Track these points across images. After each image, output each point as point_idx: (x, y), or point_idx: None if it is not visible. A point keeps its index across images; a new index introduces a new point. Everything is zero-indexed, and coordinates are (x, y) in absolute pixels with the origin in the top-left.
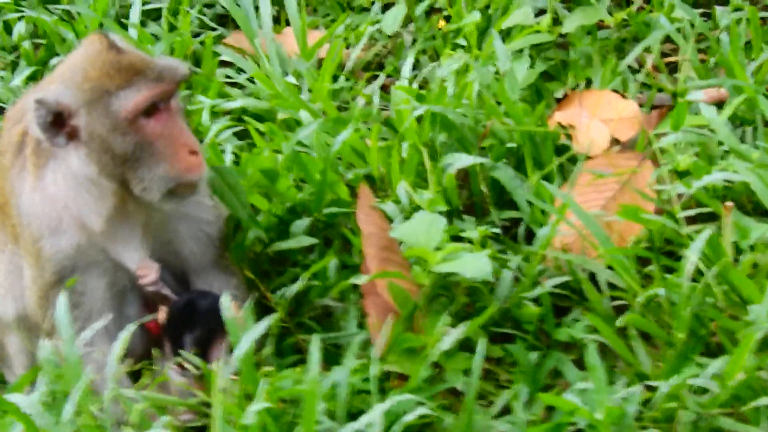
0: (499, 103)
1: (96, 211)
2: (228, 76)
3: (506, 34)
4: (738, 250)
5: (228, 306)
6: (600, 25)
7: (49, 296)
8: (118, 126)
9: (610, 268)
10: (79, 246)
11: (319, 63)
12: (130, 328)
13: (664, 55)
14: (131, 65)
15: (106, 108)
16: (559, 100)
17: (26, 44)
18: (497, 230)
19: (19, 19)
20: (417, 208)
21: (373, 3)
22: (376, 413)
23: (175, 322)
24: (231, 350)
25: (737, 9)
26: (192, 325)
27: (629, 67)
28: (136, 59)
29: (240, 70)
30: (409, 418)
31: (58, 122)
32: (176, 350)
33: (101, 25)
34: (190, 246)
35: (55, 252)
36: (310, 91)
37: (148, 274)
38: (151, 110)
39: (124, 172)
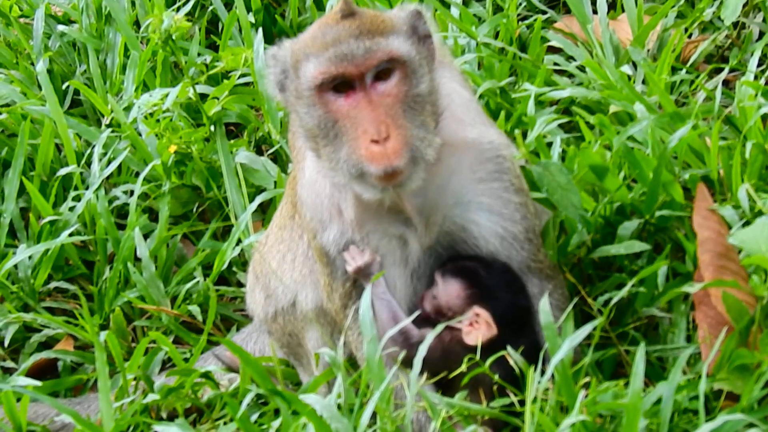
0: None
1: (344, 196)
2: (556, 64)
3: None
4: None
5: (546, 311)
6: None
7: (335, 289)
8: (302, 95)
9: None
10: (343, 238)
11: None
12: (435, 332)
13: None
14: (336, 36)
15: (296, 73)
16: None
17: None
18: None
19: None
20: (759, 214)
21: None
22: None
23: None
24: (547, 358)
25: None
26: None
27: None
28: (345, 31)
29: (570, 58)
30: None
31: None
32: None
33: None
34: (493, 243)
35: (330, 248)
36: (645, 82)
37: (357, 259)
38: (341, 87)
39: (318, 147)
